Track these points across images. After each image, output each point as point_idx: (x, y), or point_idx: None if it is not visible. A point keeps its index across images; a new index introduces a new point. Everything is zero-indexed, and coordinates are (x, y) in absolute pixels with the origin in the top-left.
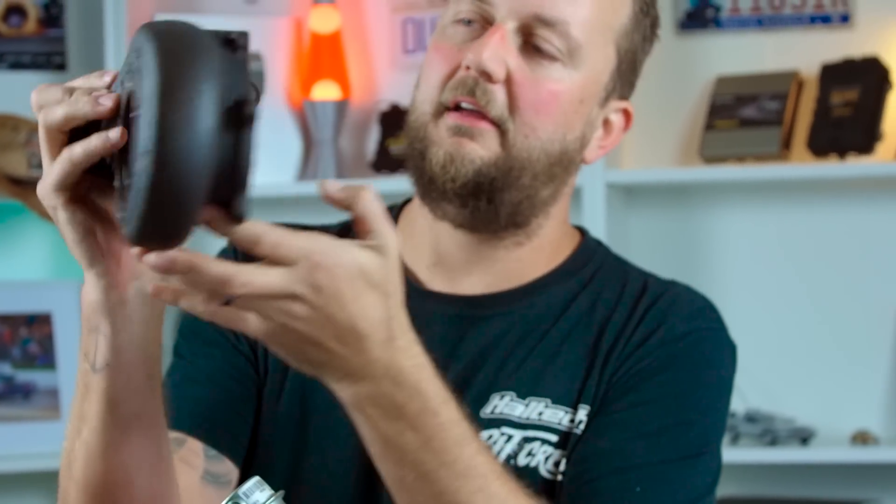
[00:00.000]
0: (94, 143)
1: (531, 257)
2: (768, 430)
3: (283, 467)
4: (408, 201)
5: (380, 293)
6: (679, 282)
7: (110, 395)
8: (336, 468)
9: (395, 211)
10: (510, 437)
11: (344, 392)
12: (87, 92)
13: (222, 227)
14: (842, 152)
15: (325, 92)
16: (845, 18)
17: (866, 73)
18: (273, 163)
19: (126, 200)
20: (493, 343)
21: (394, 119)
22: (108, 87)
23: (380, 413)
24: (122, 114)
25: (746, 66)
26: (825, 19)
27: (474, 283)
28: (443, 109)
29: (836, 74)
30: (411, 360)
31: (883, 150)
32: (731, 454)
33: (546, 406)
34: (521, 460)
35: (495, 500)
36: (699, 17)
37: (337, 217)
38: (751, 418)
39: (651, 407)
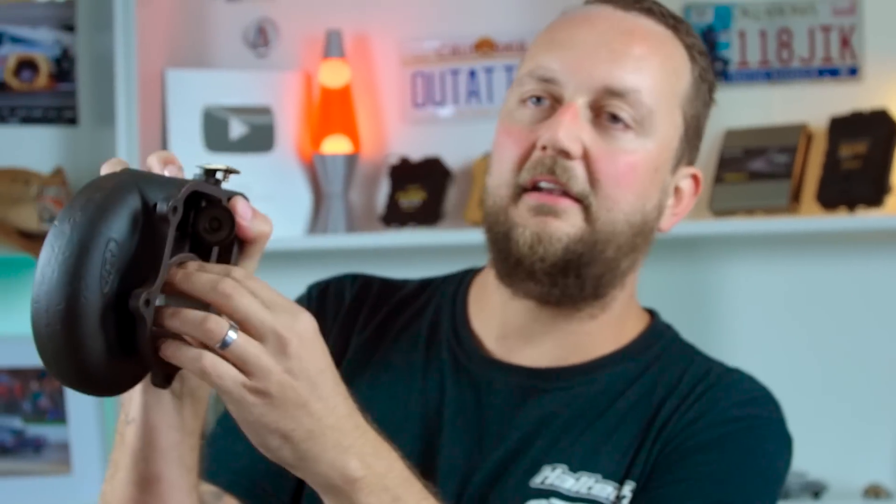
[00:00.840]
0: None
1: (601, 332)
2: None
3: None
4: (478, 271)
5: (328, 358)
6: (743, 371)
7: (134, 451)
8: None
9: (467, 280)
10: None
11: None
12: None
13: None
14: (851, 205)
15: (336, 146)
16: (853, 71)
17: (875, 126)
18: (283, 216)
19: None
20: (552, 416)
21: (404, 172)
22: None
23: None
24: None
25: (755, 119)
26: (833, 72)
27: (541, 354)
28: (520, 191)
29: (844, 127)
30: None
31: (892, 202)
32: None
33: (596, 481)
34: None
35: None
36: None
37: (401, 271)
38: None
39: (691, 485)
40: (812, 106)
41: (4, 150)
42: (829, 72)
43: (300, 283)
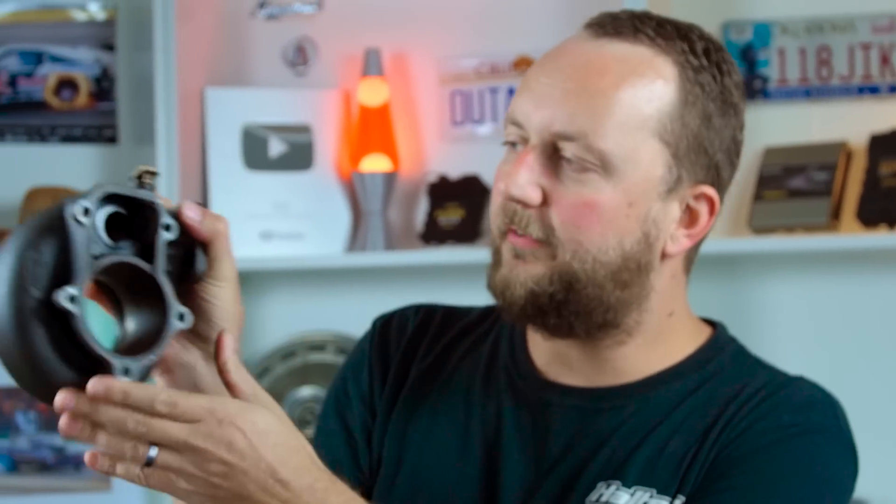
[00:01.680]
0: None
1: (641, 353)
2: None
3: None
4: None
5: (291, 443)
6: (806, 378)
7: None
8: None
9: None
10: None
11: None
12: None
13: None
14: (891, 223)
15: (375, 164)
16: (893, 89)
17: None
18: (322, 234)
19: None
20: (608, 435)
21: (442, 190)
22: None
23: None
24: None
25: (794, 136)
26: (873, 90)
27: (587, 378)
28: (504, 233)
29: (885, 145)
30: (339, 496)
31: None
32: None
33: (651, 496)
34: None
35: None
36: (747, 88)
37: (459, 297)
38: None
39: (740, 493)
40: (852, 123)
41: (45, 169)
42: (869, 89)
43: (339, 300)
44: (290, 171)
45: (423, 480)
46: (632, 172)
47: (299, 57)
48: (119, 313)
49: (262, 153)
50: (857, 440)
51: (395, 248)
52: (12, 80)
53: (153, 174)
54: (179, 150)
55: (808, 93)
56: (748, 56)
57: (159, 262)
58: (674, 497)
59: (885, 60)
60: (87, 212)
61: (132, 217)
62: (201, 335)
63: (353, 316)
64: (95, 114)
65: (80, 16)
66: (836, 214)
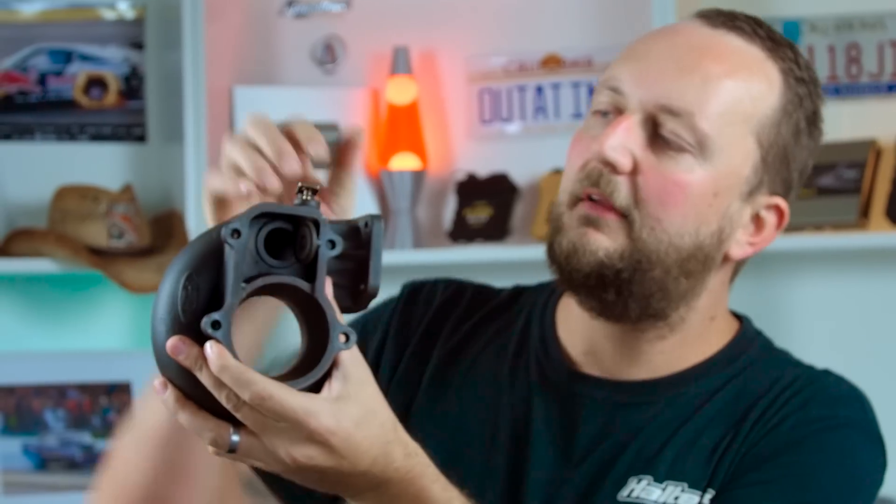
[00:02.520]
0: None
1: (676, 351)
2: None
3: None
4: None
5: (371, 429)
6: (833, 372)
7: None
8: None
9: (558, 291)
10: None
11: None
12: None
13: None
14: None
15: (403, 162)
16: None
17: None
18: None
19: None
20: (638, 429)
21: (470, 189)
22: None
23: None
24: None
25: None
26: None
27: (621, 370)
28: (577, 200)
29: None
30: (434, 482)
31: None
32: None
33: (682, 490)
34: None
35: None
36: None
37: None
38: None
39: (769, 487)
40: (881, 121)
41: (74, 167)
42: None
43: None
44: (317, 170)
45: (449, 466)
46: (724, 163)
47: (328, 55)
48: (301, 332)
49: None
50: (885, 438)
51: (423, 247)
52: (42, 79)
53: (313, 190)
54: (208, 149)
55: (838, 90)
56: None
57: (319, 281)
58: (704, 492)
59: None
60: (236, 233)
61: (297, 233)
62: None
63: None
64: (124, 112)
65: (109, 14)
66: (865, 213)
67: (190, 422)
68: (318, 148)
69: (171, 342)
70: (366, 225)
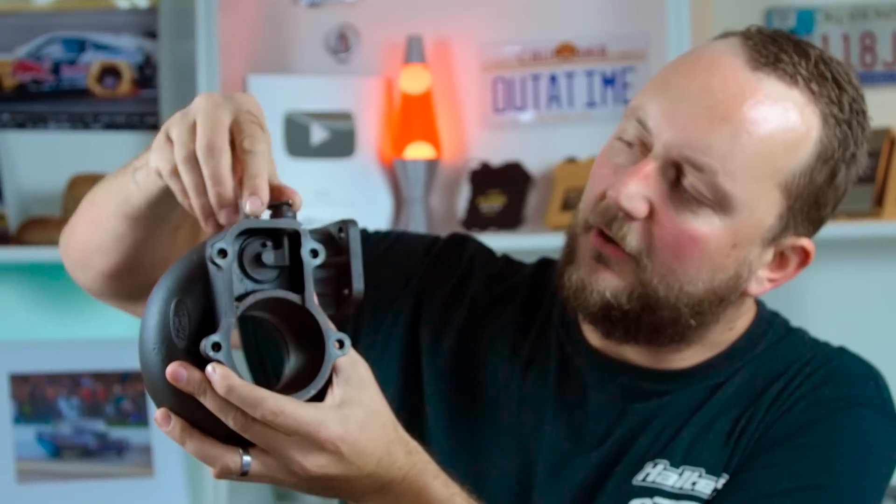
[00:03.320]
0: None
1: (697, 355)
2: None
3: None
4: None
5: (375, 431)
6: (848, 350)
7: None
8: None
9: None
10: None
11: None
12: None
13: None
14: None
15: (416, 151)
16: None
17: None
18: (363, 220)
19: None
20: (654, 414)
21: (484, 177)
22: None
23: None
24: None
25: None
26: None
27: (643, 359)
28: (591, 227)
29: None
30: (435, 479)
31: None
32: None
33: (700, 476)
34: None
35: None
36: None
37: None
38: None
39: (781, 469)
40: None
41: (87, 156)
42: None
43: None
44: (331, 159)
45: (461, 439)
46: (746, 216)
47: (341, 44)
48: (286, 346)
49: (304, 140)
50: None
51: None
52: (55, 68)
53: (287, 204)
54: None
55: None
56: None
57: (308, 291)
58: (720, 476)
59: None
60: (222, 253)
61: (282, 245)
62: None
63: None
64: (138, 101)
65: (122, 3)
66: (879, 201)
67: (198, 450)
68: (256, 205)
69: (172, 369)
70: (340, 230)
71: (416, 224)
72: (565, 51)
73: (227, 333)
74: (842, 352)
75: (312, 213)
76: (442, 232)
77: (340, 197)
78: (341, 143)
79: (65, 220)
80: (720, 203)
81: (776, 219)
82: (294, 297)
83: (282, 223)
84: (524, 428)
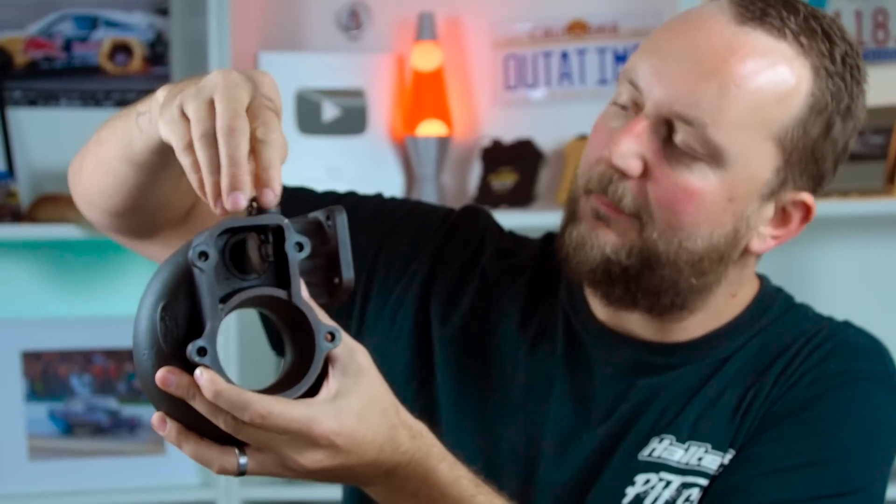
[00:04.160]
0: None
1: (699, 325)
2: None
3: None
4: None
5: (374, 419)
6: (853, 324)
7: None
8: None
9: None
10: (668, 483)
11: (374, 490)
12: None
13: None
14: None
15: (428, 128)
16: None
17: None
18: None
19: None
20: (660, 389)
21: (495, 155)
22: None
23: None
24: None
25: None
26: None
27: (647, 332)
28: (590, 190)
29: None
30: (441, 462)
31: None
32: None
33: (706, 451)
34: None
35: None
36: None
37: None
38: None
39: (787, 444)
40: None
41: None
42: None
43: None
44: (343, 136)
45: (469, 412)
46: (740, 170)
47: (353, 21)
48: (285, 339)
49: (316, 118)
50: None
51: None
52: (67, 45)
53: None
54: None
55: (864, 56)
56: None
57: (294, 286)
58: (726, 452)
59: None
60: (203, 256)
61: (267, 240)
62: None
63: None
64: (149, 78)
65: None
66: (891, 178)
67: (195, 452)
68: (269, 197)
69: (160, 374)
70: (327, 218)
71: (428, 201)
72: (577, 28)
73: (213, 337)
74: (847, 326)
75: None
76: None
77: (352, 174)
78: (353, 121)
79: None
80: (713, 156)
81: (773, 173)
82: (280, 293)
83: (264, 219)
84: (531, 402)
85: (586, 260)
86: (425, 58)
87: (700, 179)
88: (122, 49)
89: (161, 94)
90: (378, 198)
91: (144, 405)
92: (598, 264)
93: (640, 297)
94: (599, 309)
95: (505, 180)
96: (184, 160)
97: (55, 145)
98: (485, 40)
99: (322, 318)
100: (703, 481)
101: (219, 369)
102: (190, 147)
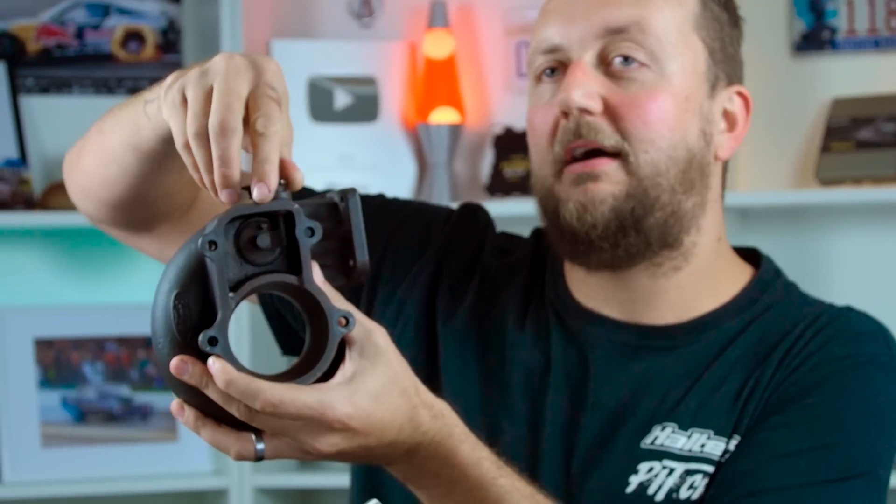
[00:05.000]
0: None
1: (693, 285)
2: None
3: None
4: None
5: (393, 400)
6: (855, 308)
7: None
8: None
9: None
10: (672, 471)
11: (395, 468)
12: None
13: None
14: None
15: (440, 115)
16: None
17: None
18: (387, 186)
19: None
20: (658, 375)
21: (508, 142)
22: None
23: (426, 479)
24: None
25: (863, 87)
26: None
27: (640, 314)
28: (560, 167)
29: None
30: (462, 443)
31: None
32: None
33: (709, 438)
34: (683, 493)
35: None
36: (815, 40)
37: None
38: None
39: (793, 429)
40: None
41: None
42: None
43: None
44: (355, 123)
45: (473, 406)
46: (680, 67)
47: (365, 9)
48: (304, 321)
49: (328, 105)
50: None
51: (460, 200)
52: (79, 33)
53: (281, 183)
54: None
55: (877, 43)
56: (816, 7)
57: (306, 271)
58: (730, 438)
59: None
60: (213, 245)
61: (278, 226)
62: None
63: None
64: (162, 66)
65: None
66: None
67: (212, 438)
68: (263, 192)
69: (174, 363)
70: (342, 199)
71: (440, 189)
72: None
73: (224, 325)
74: (849, 310)
75: (336, 178)
76: (465, 196)
77: (364, 162)
78: (365, 108)
79: None
80: (654, 58)
81: (706, 66)
82: (291, 279)
83: (274, 205)
84: (530, 395)
85: (595, 221)
86: (437, 45)
87: (653, 86)
88: (134, 36)
89: (169, 80)
90: (381, 197)
91: (157, 392)
92: (608, 220)
93: (651, 236)
94: (582, 297)
95: (517, 168)
96: (184, 156)
97: (68, 133)
98: (497, 27)
99: (336, 303)
100: (707, 467)
101: (230, 358)
102: (187, 145)
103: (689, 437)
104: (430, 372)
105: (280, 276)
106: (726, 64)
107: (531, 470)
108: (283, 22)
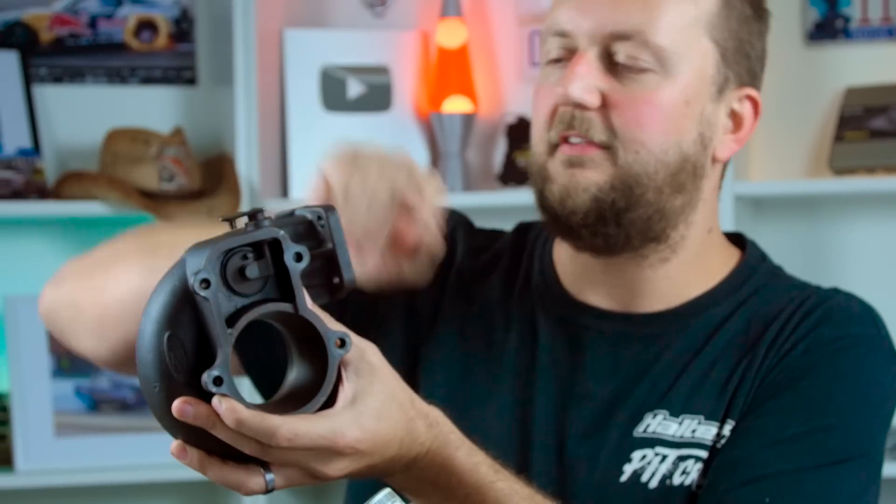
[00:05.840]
0: None
1: (681, 274)
2: None
3: None
4: None
5: (392, 415)
6: (843, 290)
7: None
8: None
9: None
10: (664, 458)
11: (394, 480)
12: None
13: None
14: None
15: (453, 105)
16: None
17: None
18: None
19: None
20: (648, 363)
21: (521, 131)
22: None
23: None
24: None
25: (876, 76)
26: None
27: (629, 303)
28: (555, 146)
29: None
30: (460, 450)
31: None
32: None
33: (699, 423)
34: (676, 479)
35: None
36: (828, 28)
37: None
38: None
39: (787, 413)
40: None
41: (125, 111)
42: None
43: None
44: (368, 113)
45: (460, 407)
46: (687, 70)
47: None
48: (291, 350)
49: (341, 94)
50: None
51: (473, 189)
52: (92, 22)
53: (261, 211)
54: (258, 92)
55: (891, 32)
56: None
57: (299, 297)
58: (722, 422)
59: None
60: (205, 283)
61: (263, 255)
62: None
63: None
64: (175, 55)
65: None
66: None
67: (220, 477)
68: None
69: (177, 406)
70: (319, 218)
71: (453, 178)
72: None
73: (226, 363)
74: (835, 291)
75: None
76: (478, 187)
77: None
78: (378, 97)
79: (102, 175)
80: (659, 62)
81: (715, 69)
82: (286, 306)
83: (258, 234)
84: (520, 393)
85: (575, 207)
86: (450, 34)
87: (654, 89)
88: (147, 26)
89: None
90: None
91: None
92: (588, 208)
93: (632, 230)
94: (570, 283)
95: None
96: None
97: (81, 122)
98: (510, 16)
99: (330, 325)
100: (699, 452)
101: (236, 395)
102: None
103: (681, 423)
104: (413, 382)
105: (274, 305)
106: (739, 64)
107: (522, 463)
108: (295, 11)
